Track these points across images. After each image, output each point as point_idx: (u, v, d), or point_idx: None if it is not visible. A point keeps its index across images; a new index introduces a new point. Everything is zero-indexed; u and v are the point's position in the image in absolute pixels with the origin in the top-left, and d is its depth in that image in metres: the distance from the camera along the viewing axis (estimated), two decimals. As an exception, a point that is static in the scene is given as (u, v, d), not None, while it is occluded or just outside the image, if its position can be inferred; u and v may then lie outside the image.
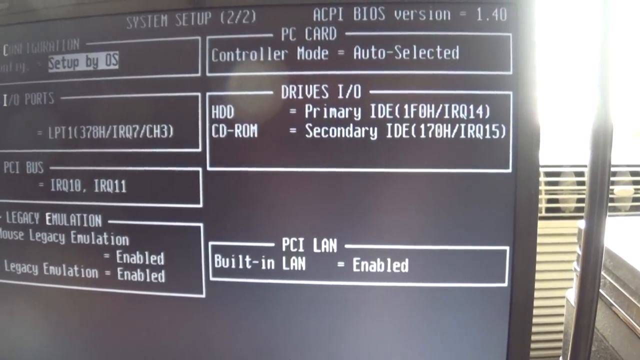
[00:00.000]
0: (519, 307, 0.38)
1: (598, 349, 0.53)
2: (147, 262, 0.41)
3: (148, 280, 0.41)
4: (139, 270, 0.41)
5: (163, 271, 0.41)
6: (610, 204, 0.88)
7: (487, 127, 0.37)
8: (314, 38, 0.38)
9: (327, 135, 0.38)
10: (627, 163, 0.87)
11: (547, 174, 0.85)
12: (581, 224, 0.58)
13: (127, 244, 0.41)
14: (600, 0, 0.36)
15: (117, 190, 0.40)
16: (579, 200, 0.85)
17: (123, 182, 0.41)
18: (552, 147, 0.87)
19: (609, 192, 0.37)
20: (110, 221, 0.41)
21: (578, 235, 0.60)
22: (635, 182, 0.86)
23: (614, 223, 0.47)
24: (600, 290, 0.52)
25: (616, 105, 0.37)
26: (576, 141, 0.92)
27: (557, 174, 0.85)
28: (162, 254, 0.41)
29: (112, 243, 0.41)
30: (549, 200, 0.85)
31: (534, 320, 0.39)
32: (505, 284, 0.38)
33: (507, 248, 0.38)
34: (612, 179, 0.87)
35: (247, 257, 0.39)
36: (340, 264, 0.39)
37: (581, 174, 0.85)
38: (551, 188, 0.85)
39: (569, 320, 0.63)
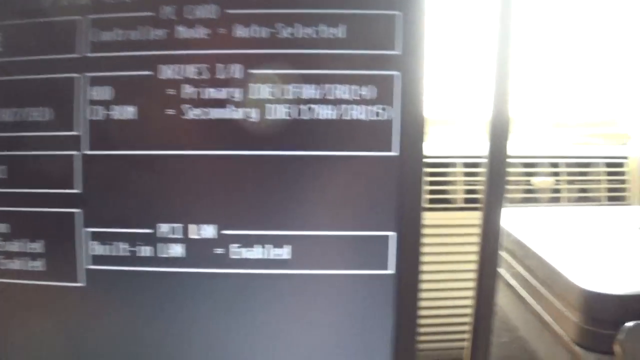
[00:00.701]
0: (406, 294, 0.36)
1: (510, 339, 0.51)
2: (26, 250, 0.39)
3: (27, 269, 0.39)
4: (18, 258, 0.39)
5: (43, 259, 0.39)
6: (529, 195, 0.87)
7: (373, 108, 0.36)
8: (194, 16, 0.37)
9: (205, 117, 0.36)
10: (547, 154, 0.86)
11: (434, 165, 0.83)
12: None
13: (8, 231, 0.39)
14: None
15: (-4, 176, 0.39)
16: (469, 192, 0.83)
17: (4, 167, 0.39)
18: (441, 138, 0.86)
19: (505, 183, 0.35)
20: (-12, 207, 0.39)
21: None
22: (554, 174, 0.85)
23: (529, 213, 0.46)
24: (511, 280, 0.50)
25: (514, 96, 0.35)
26: (466, 131, 0.90)
27: (446, 165, 0.83)
28: (41, 241, 0.39)
29: (-9, 230, 0.39)
30: (437, 192, 0.83)
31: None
32: (391, 271, 0.36)
33: (393, 233, 0.36)
34: (531, 170, 0.87)
35: (124, 244, 0.38)
36: (219, 250, 0.37)
37: (471, 165, 0.83)
38: (439, 179, 0.83)
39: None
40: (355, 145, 0.36)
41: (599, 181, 0.88)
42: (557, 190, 0.86)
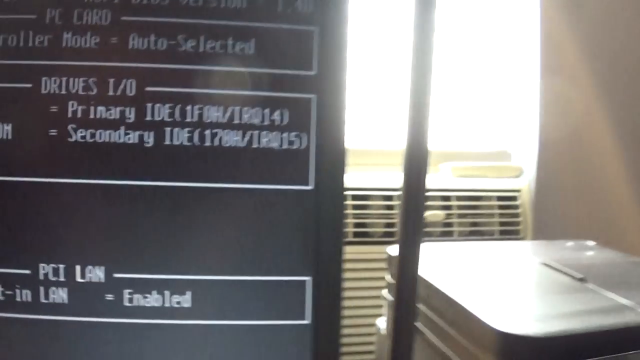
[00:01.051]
0: (325, 347, 0.32)
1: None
2: None
3: None
4: None
5: None
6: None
7: (285, 135, 0.32)
8: (84, 22, 0.32)
9: (93, 139, 0.31)
10: (438, 187, 0.84)
11: (354, 197, 0.81)
12: (390, 249, 0.55)
13: None
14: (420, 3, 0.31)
15: None
16: (388, 225, 0.81)
17: None
18: (358, 168, 0.83)
19: (423, 218, 0.32)
20: None
21: (387, 261, 0.56)
22: (445, 207, 0.83)
23: (425, 249, 0.43)
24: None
25: (433, 125, 0.32)
26: (384, 161, 0.88)
27: (365, 197, 0.81)
28: None
29: None
30: (357, 225, 0.80)
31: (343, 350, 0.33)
32: (307, 321, 0.32)
33: (309, 278, 0.32)
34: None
35: (0, 286, 0.32)
36: (109, 296, 0.32)
37: (390, 198, 0.81)
38: (359, 212, 0.80)
39: (380, 349, 0.59)
40: (265, 177, 0.31)
41: (491, 215, 0.86)
42: (448, 224, 0.83)
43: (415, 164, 0.32)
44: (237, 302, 0.32)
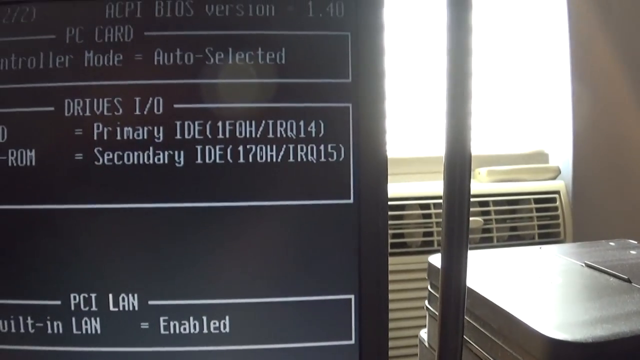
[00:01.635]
0: (372, 370, 0.31)
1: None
2: None
3: None
4: None
5: None
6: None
7: (322, 147, 0.30)
8: (106, 39, 0.30)
9: (121, 162, 0.30)
10: (475, 192, 0.82)
11: (391, 207, 0.79)
12: (431, 259, 0.54)
13: None
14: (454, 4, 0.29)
15: None
16: (425, 234, 0.80)
17: None
18: (392, 177, 0.82)
19: (468, 225, 0.30)
20: None
21: (428, 271, 0.55)
22: (483, 213, 0.82)
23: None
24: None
25: (474, 129, 0.30)
26: (418, 169, 0.86)
27: (401, 207, 0.79)
28: None
29: None
30: (394, 235, 0.79)
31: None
32: (352, 341, 0.31)
33: (352, 296, 0.30)
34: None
35: (29, 318, 0.31)
36: (144, 325, 0.30)
37: (427, 207, 0.80)
38: (396, 222, 0.79)
39: (424, 363, 0.58)
40: (303, 192, 0.30)
41: (530, 218, 0.84)
42: (487, 230, 0.82)
43: (458, 170, 0.30)
44: (278, 325, 0.30)
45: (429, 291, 0.55)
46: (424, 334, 0.57)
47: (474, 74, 0.30)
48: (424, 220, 0.80)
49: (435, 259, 0.54)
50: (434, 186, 0.80)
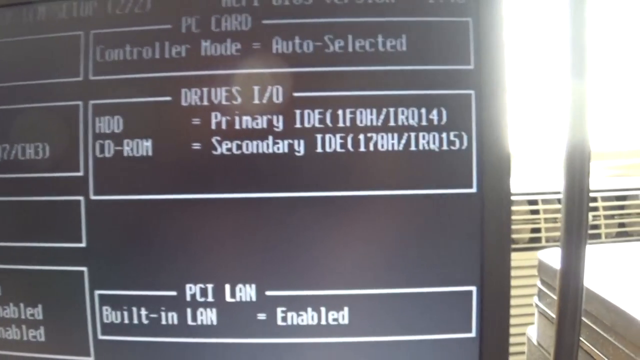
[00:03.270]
0: (492, 364, 0.30)
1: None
2: (22, 317, 0.32)
3: (25, 338, 0.32)
4: (13, 326, 0.32)
5: (42, 327, 0.32)
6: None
7: (444, 135, 0.29)
8: (223, 28, 0.30)
9: (239, 151, 0.30)
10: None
11: None
12: (542, 255, 0.53)
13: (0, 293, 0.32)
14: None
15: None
16: (533, 230, 0.79)
17: (-10, 216, 0.32)
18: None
19: (587, 221, 0.29)
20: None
21: (538, 268, 0.54)
22: (592, 208, 0.80)
23: None
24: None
25: (593, 122, 0.30)
26: (530, 165, 0.85)
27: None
28: (39, 306, 0.32)
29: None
30: None
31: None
32: (473, 334, 0.30)
33: (474, 288, 0.30)
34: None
35: (143, 309, 0.31)
36: (261, 316, 0.30)
37: (534, 202, 0.79)
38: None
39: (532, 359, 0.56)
40: (425, 181, 0.29)
41: (639, 214, 0.83)
42: (595, 226, 0.81)
43: (578, 166, 0.29)
44: (398, 317, 0.30)
45: (539, 288, 0.54)
46: (531, 331, 0.56)
47: (593, 69, 0.30)
48: (532, 217, 0.79)
49: (545, 255, 0.53)
50: (542, 182, 0.79)
